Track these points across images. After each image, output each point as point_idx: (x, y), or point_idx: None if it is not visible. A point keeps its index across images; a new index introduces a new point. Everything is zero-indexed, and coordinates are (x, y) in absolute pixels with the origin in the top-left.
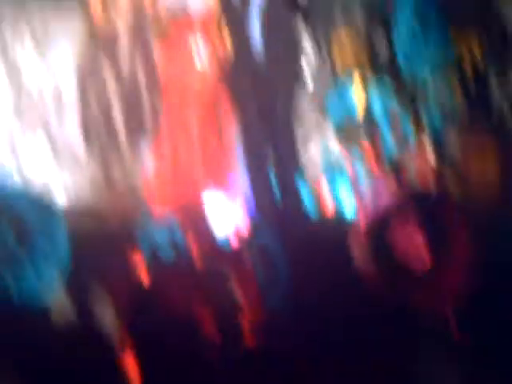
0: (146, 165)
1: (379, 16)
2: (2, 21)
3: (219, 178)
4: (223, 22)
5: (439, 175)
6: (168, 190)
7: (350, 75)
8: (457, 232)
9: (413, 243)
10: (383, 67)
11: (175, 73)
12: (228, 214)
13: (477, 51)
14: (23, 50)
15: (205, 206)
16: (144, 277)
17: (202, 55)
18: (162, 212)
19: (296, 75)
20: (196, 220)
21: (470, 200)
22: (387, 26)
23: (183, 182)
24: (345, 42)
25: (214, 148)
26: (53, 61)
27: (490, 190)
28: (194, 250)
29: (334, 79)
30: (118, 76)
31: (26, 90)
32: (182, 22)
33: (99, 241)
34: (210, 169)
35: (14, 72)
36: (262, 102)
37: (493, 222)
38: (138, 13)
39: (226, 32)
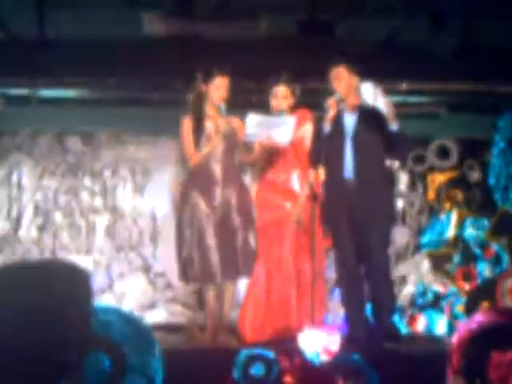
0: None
1: (474, 158)
2: (105, 166)
3: (314, 317)
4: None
5: None
6: (262, 321)
7: (447, 213)
8: None
9: (507, 361)
10: (479, 206)
11: (268, 195)
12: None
13: None
14: (124, 191)
15: (300, 342)
16: None
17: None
18: (255, 341)
19: (389, 212)
20: (291, 354)
21: None
22: (483, 169)
23: (278, 316)
24: (440, 183)
25: (310, 283)
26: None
27: None
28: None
29: (429, 216)
30: (211, 205)
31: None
32: (273, 150)
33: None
34: (304, 307)
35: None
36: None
37: None
38: (229, 145)
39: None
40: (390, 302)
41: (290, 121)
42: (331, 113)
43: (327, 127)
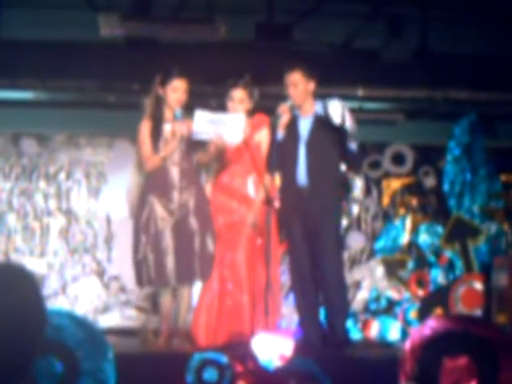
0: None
1: (430, 165)
2: (60, 169)
3: (268, 323)
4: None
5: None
6: (215, 326)
7: (402, 219)
8: (504, 358)
9: (459, 367)
10: (434, 212)
11: (223, 199)
12: (275, 347)
13: None
14: (78, 194)
15: (253, 346)
16: None
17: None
18: (208, 346)
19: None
20: (245, 359)
21: None
22: (438, 175)
23: (230, 321)
24: (395, 188)
25: (264, 288)
26: (104, 196)
27: None
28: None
29: (384, 221)
30: (168, 209)
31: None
32: (231, 150)
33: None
34: (258, 312)
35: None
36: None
37: None
38: (186, 148)
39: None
40: (343, 308)
41: (238, 118)
42: (284, 119)
43: (280, 133)
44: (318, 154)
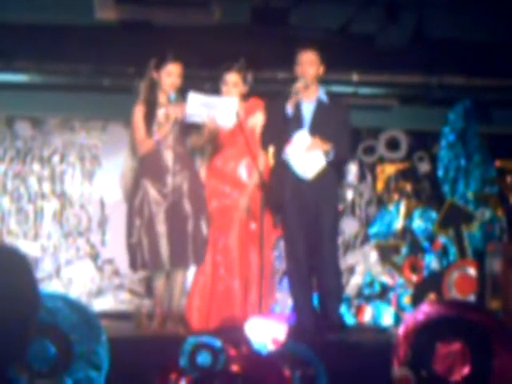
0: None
1: (424, 150)
2: (54, 152)
3: (262, 307)
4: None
5: (480, 287)
6: (208, 310)
7: (396, 205)
8: (497, 344)
9: (452, 352)
10: (428, 198)
11: (216, 183)
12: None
13: None
14: (72, 177)
15: (247, 330)
16: None
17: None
18: (202, 330)
19: (336, 201)
20: (238, 343)
21: (510, 312)
22: (433, 161)
23: (222, 305)
24: (390, 174)
25: (258, 272)
26: (98, 180)
27: None
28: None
29: (378, 207)
30: (162, 192)
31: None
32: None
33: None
34: (252, 296)
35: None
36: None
37: None
38: (180, 132)
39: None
40: (338, 293)
41: (232, 101)
42: (296, 98)
43: (289, 110)
44: (320, 138)
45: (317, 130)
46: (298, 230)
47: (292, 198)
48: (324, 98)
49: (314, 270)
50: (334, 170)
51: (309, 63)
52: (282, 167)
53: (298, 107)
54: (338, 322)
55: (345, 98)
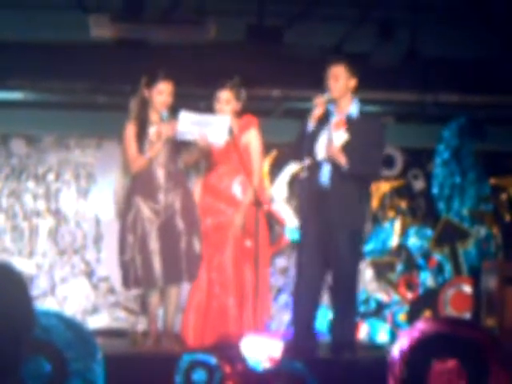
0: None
1: (419, 168)
2: (49, 169)
3: (257, 324)
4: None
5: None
6: (203, 327)
7: (391, 222)
8: (493, 361)
9: (448, 370)
10: (423, 215)
11: (210, 200)
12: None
13: None
14: (67, 195)
15: (242, 347)
16: None
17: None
18: (197, 345)
19: (358, 222)
20: (234, 360)
21: (505, 330)
22: (428, 178)
23: (217, 323)
24: (385, 191)
25: (253, 289)
26: (93, 197)
27: None
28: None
29: (373, 224)
30: (155, 210)
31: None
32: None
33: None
34: (247, 313)
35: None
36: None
37: None
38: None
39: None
40: (348, 314)
41: (223, 120)
42: (318, 111)
43: (311, 125)
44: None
45: (342, 145)
46: (313, 244)
47: (308, 211)
48: (354, 113)
49: (330, 287)
50: (358, 189)
51: (334, 77)
52: (308, 178)
53: (327, 120)
54: (342, 343)
55: (380, 117)
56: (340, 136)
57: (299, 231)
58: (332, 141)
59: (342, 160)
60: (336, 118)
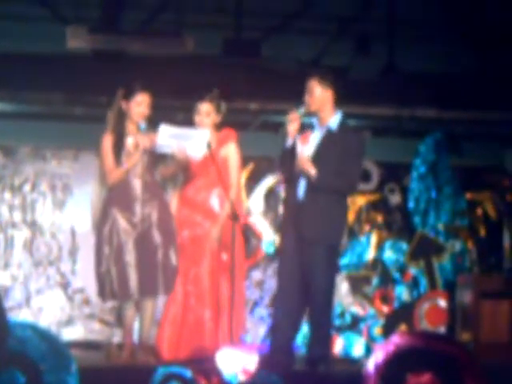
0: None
1: (395, 182)
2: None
3: (233, 337)
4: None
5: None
6: (178, 340)
7: (367, 236)
8: (467, 375)
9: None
10: (399, 230)
11: (187, 212)
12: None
13: (491, 212)
14: (43, 206)
15: (218, 360)
16: None
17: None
18: (172, 358)
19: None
20: (209, 373)
21: (480, 344)
22: (404, 193)
23: (192, 335)
24: (361, 205)
25: (228, 303)
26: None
27: (501, 334)
28: None
29: (349, 238)
30: (131, 222)
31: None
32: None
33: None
34: (223, 326)
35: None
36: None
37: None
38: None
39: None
40: (323, 328)
41: (203, 133)
42: (293, 126)
43: (289, 140)
44: (319, 170)
45: (317, 160)
46: (292, 258)
47: (287, 222)
48: (334, 126)
49: (307, 300)
50: (337, 202)
51: (308, 91)
52: (288, 194)
53: (310, 133)
54: (317, 357)
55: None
56: (308, 149)
57: (278, 245)
58: (302, 154)
59: (312, 171)
60: (315, 131)
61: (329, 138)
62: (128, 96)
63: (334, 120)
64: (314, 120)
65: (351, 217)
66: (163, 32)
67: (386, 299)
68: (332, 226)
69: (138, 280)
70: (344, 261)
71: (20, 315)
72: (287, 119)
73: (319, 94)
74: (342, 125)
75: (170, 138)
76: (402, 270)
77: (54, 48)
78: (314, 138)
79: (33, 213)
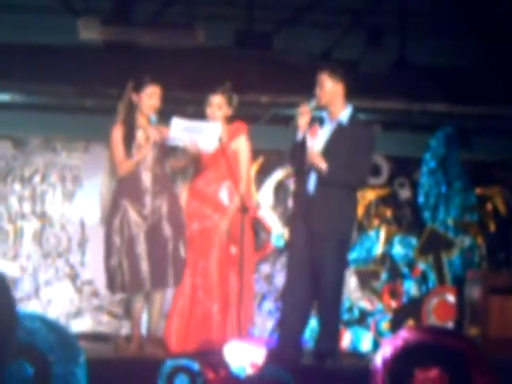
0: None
1: (405, 177)
2: (35, 172)
3: (241, 330)
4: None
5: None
6: (186, 332)
7: (376, 230)
8: (475, 370)
9: (430, 379)
10: (408, 224)
11: (197, 205)
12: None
13: (501, 207)
14: (53, 198)
15: (225, 353)
16: None
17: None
18: (180, 352)
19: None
20: (217, 366)
21: (488, 339)
22: (413, 187)
23: (200, 328)
24: (370, 199)
25: (237, 296)
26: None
27: (509, 329)
28: None
29: (358, 232)
30: (142, 214)
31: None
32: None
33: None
34: (231, 319)
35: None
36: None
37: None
38: (159, 154)
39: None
40: (332, 323)
41: (214, 127)
42: (304, 120)
43: (300, 134)
44: (329, 163)
45: (326, 154)
46: (301, 252)
47: (297, 215)
48: (345, 119)
49: (317, 294)
50: (346, 196)
51: (319, 84)
52: (298, 187)
53: (321, 127)
54: (325, 351)
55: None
56: (318, 143)
57: (288, 238)
58: (312, 148)
59: (323, 166)
60: (326, 125)
61: (339, 131)
62: (138, 88)
63: (344, 114)
64: (325, 114)
65: (360, 211)
66: (174, 24)
67: (394, 294)
68: (342, 220)
69: (149, 272)
70: (353, 255)
71: (29, 306)
72: (298, 113)
73: (330, 87)
74: (353, 119)
75: (181, 131)
76: (411, 265)
77: (64, 39)
78: (325, 131)
79: (42, 204)
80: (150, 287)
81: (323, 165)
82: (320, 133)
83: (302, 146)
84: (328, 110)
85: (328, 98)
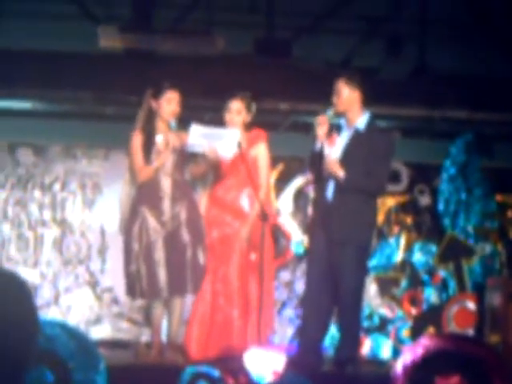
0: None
1: (425, 183)
2: (55, 179)
3: (261, 338)
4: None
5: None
6: (206, 339)
7: (396, 237)
8: (496, 378)
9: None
10: (428, 231)
11: (217, 212)
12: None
13: None
14: (73, 205)
15: (246, 360)
16: None
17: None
18: (200, 359)
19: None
20: (237, 373)
21: (509, 347)
22: (433, 194)
23: (220, 335)
24: (390, 206)
25: (257, 303)
26: (99, 208)
27: None
28: None
29: (378, 239)
30: (160, 220)
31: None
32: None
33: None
34: (251, 327)
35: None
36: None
37: None
38: (179, 160)
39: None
40: (352, 330)
41: (233, 133)
42: (322, 130)
43: (318, 144)
44: (347, 170)
45: (344, 162)
46: (321, 259)
47: (316, 223)
48: (362, 126)
49: (336, 301)
50: (365, 203)
51: (336, 92)
52: (317, 195)
53: (339, 134)
54: (345, 358)
55: (389, 129)
56: (336, 151)
57: (307, 245)
58: (330, 156)
59: (340, 173)
60: (343, 132)
61: (356, 138)
62: (157, 94)
63: (361, 120)
64: (342, 121)
65: (380, 218)
66: (194, 31)
67: (414, 301)
68: (361, 226)
69: (167, 279)
70: (373, 262)
71: (49, 313)
72: (316, 123)
73: (347, 94)
74: (370, 125)
75: (201, 137)
76: (431, 272)
77: (84, 46)
78: (342, 138)
79: (62, 211)
80: (168, 294)
81: (341, 172)
82: (338, 140)
83: (320, 154)
84: (345, 117)
85: (345, 105)
